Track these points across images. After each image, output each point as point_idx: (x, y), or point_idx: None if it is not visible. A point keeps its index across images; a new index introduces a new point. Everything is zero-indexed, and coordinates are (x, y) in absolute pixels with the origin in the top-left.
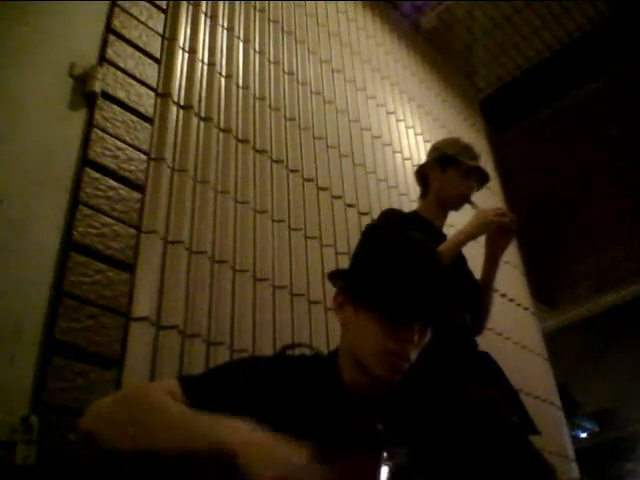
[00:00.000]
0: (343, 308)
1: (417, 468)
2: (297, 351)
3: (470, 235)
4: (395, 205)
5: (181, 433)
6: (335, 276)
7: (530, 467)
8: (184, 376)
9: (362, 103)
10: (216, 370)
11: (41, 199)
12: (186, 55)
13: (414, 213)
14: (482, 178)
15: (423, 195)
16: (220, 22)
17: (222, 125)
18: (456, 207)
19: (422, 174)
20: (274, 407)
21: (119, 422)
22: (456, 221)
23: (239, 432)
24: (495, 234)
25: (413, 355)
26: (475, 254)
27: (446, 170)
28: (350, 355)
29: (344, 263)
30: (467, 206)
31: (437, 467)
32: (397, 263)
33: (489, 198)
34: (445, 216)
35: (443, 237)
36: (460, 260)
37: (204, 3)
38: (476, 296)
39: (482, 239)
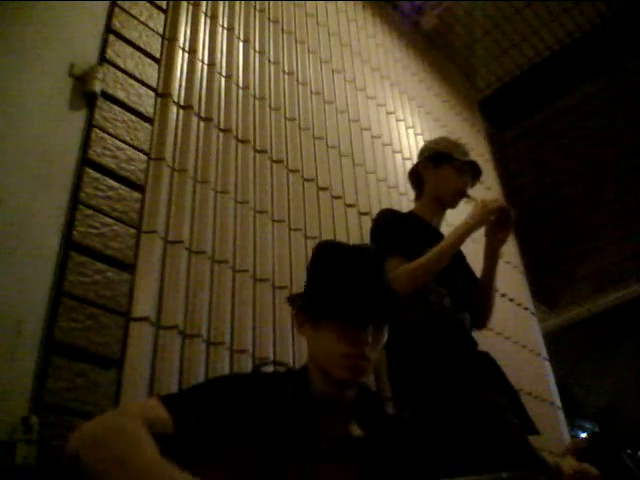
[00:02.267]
0: (304, 326)
1: (416, 468)
2: (271, 368)
3: (472, 226)
4: (395, 205)
5: None
6: (292, 300)
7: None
8: (165, 395)
9: (362, 103)
10: (197, 388)
11: (41, 199)
12: (186, 55)
13: (410, 213)
14: (475, 172)
15: (418, 196)
16: (220, 22)
17: (222, 125)
18: (453, 204)
19: (415, 175)
20: (250, 422)
21: (97, 450)
22: (456, 221)
23: None
24: (494, 227)
25: (373, 355)
26: (473, 253)
27: (440, 167)
28: (315, 366)
29: None
30: (463, 204)
31: (438, 467)
32: (339, 272)
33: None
34: (442, 214)
35: (440, 236)
36: (458, 256)
37: (204, 3)
38: (477, 292)
39: (481, 238)
